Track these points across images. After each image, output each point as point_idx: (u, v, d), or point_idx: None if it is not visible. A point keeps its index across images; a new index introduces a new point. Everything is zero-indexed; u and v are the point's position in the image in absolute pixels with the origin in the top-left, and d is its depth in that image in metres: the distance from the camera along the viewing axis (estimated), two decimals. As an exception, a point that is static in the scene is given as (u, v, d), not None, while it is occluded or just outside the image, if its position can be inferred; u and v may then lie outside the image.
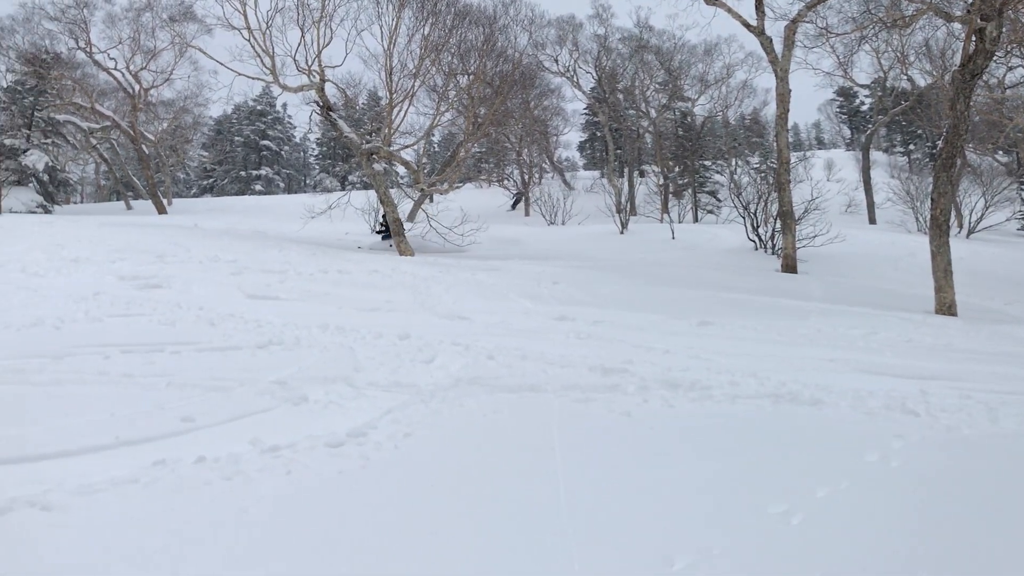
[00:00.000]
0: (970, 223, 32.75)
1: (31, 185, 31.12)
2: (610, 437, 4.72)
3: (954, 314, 13.20)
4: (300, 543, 3.17)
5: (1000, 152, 40.31)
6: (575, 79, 45.69)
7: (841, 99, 73.64)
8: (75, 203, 49.36)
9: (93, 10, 33.95)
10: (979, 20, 12.81)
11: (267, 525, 3.34)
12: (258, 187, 59.95)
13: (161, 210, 33.13)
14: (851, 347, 8.67)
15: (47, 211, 30.14)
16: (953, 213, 29.56)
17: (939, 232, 13.64)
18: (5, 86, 34.54)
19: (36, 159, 31.03)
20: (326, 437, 4.41)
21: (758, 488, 3.83)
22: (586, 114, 59.43)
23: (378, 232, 21.45)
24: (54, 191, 32.61)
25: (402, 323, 8.38)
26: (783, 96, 19.35)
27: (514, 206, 42.31)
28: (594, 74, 45.74)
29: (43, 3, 32.69)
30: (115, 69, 35.03)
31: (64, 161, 39.16)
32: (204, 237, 16.34)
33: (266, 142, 63.04)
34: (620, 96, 47.54)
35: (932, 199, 14.05)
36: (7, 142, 30.92)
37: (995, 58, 17.75)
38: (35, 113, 32.07)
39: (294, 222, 22.60)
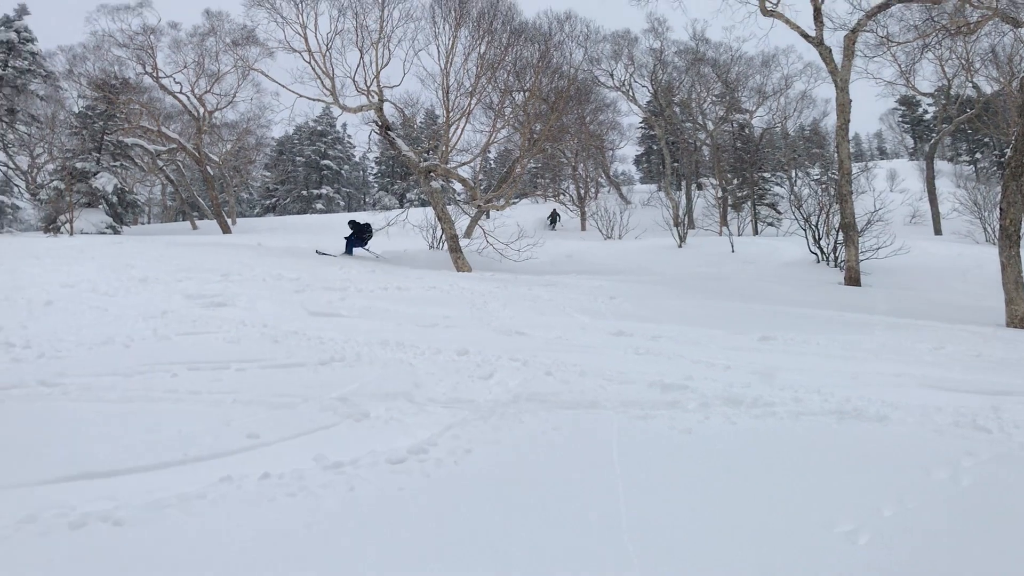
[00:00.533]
0: (1042, 233, 31.69)
1: (101, 207, 32.15)
2: (671, 455, 4.68)
3: (1027, 327, 12.82)
4: (363, 559, 3.21)
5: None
6: (631, 93, 45.58)
7: (903, 108, 72.16)
8: (142, 223, 50.82)
9: (160, 36, 35.07)
10: (1049, 25, 12.49)
11: (330, 540, 3.39)
12: (319, 206, 61.00)
13: (225, 229, 33.90)
14: (918, 362, 8.46)
15: (116, 232, 31.09)
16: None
17: (1009, 243, 13.27)
18: (77, 111, 35.79)
19: (106, 181, 32.06)
20: (387, 453, 4.45)
21: (823, 507, 3.76)
22: (642, 128, 59.29)
23: (350, 241, 20.29)
24: (123, 212, 33.67)
25: (460, 339, 8.43)
26: (843, 106, 19.06)
27: (552, 225, 41.21)
28: (650, 88, 45.59)
29: (112, 31, 33.87)
30: (180, 93, 36.07)
31: (132, 183, 40.44)
32: (267, 256, 16.66)
33: (326, 161, 64.20)
34: (676, 109, 47.33)
35: (1001, 209, 13.68)
36: (79, 165, 32.02)
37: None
38: (105, 137, 33.18)
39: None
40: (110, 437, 4.72)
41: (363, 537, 3.42)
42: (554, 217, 41.97)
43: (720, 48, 43.94)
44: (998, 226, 13.85)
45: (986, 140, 57.58)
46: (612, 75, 44.46)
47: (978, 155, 62.28)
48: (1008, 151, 13.79)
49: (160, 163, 40.06)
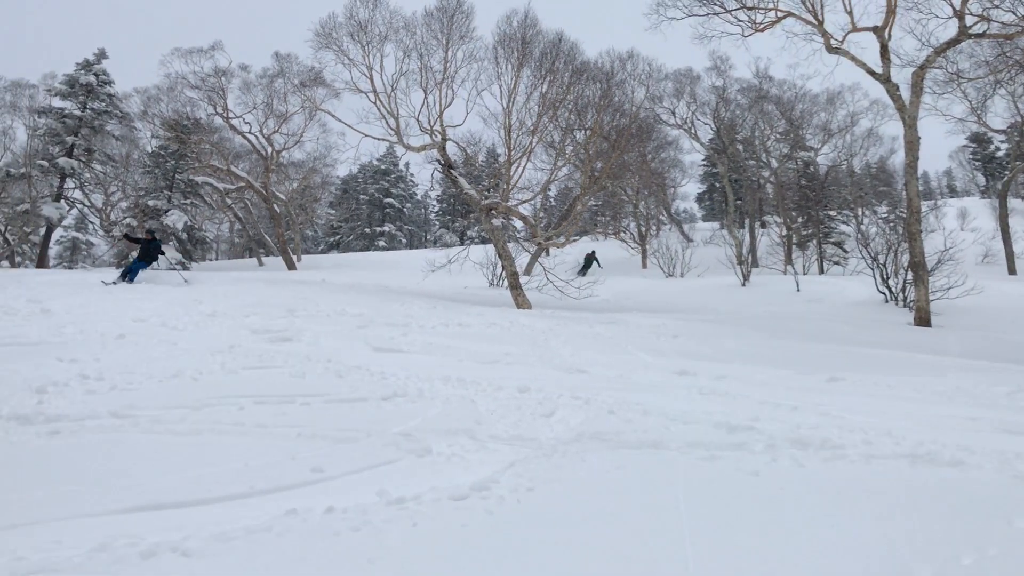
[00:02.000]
0: (1125, 273, 30.59)
1: (172, 243, 33.11)
2: (738, 498, 4.58)
3: (1111, 371, 12.30)
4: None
5: None
6: (693, 131, 45.47)
7: (974, 145, 70.56)
8: (211, 260, 52.11)
9: (230, 78, 36.24)
10: None
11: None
12: (381, 243, 61.89)
13: (291, 266, 34.58)
14: (994, 405, 8.17)
15: (185, 267, 31.96)
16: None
17: (1090, 283, 12.80)
18: (150, 151, 37.04)
19: (176, 218, 33.05)
20: (450, 490, 4.44)
21: (899, 554, 3.63)
22: (704, 165, 59.00)
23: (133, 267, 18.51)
24: (192, 248, 34.60)
25: (521, 376, 8.42)
26: (912, 143, 18.72)
27: (584, 271, 33.01)
28: (712, 125, 45.42)
29: (185, 73, 35.10)
30: (249, 133, 37.14)
31: (201, 220, 41.53)
32: (331, 292, 16.91)
33: (389, 200, 65.24)
34: (739, 147, 47.01)
35: (1081, 248, 13.23)
36: (151, 203, 33.05)
37: None
38: (176, 175, 34.25)
39: (416, 276, 23.18)
40: (178, 469, 4.81)
41: (427, 573, 3.41)
42: (589, 261, 35.24)
43: (784, 85, 43.69)
44: (1077, 266, 13.38)
45: (1062, 177, 55.88)
46: (674, 113, 44.45)
47: (1054, 193, 60.44)
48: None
49: (229, 201, 41.17)
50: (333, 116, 25.75)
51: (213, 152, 37.11)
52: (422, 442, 5.49)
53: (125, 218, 33.59)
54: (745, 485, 4.79)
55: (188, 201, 35.53)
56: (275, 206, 37.45)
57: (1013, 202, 48.83)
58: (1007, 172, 41.61)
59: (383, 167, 65.95)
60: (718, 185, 54.75)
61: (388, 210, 65.39)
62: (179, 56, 35.28)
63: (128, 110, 39.01)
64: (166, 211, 33.34)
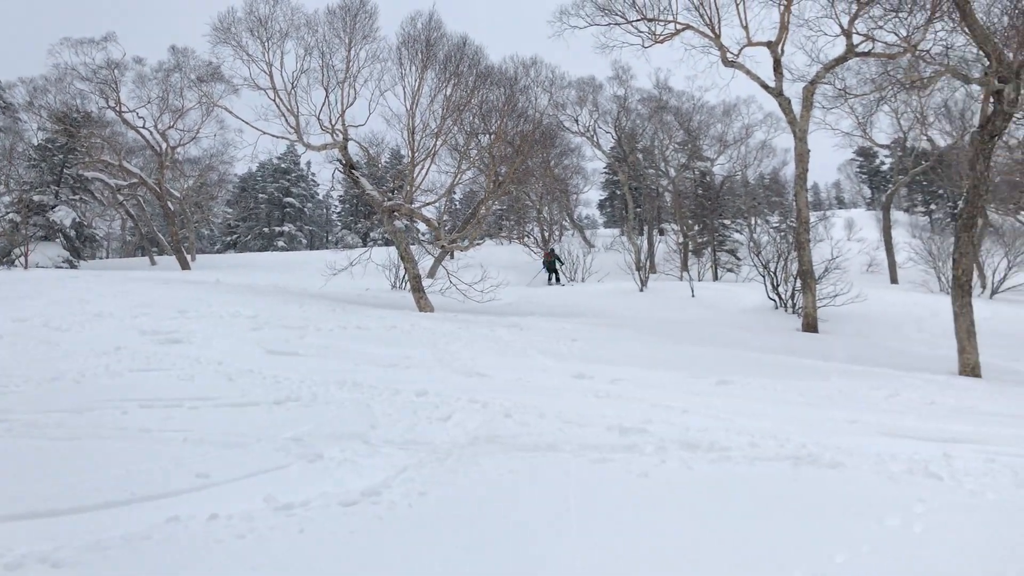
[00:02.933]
0: (993, 283, 32.47)
1: (58, 240, 31.66)
2: (627, 499, 4.66)
3: (978, 375, 13.02)
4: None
5: (1022, 213, 40.14)
6: (595, 139, 46.13)
7: (861, 159, 74.00)
8: (100, 258, 50.07)
9: (123, 71, 34.81)
10: (997, 82, 12.88)
11: (278, 585, 3.31)
12: (281, 243, 60.65)
13: (185, 266, 33.50)
14: (873, 409, 8.55)
15: (73, 266, 30.61)
16: (976, 273, 29.41)
17: (961, 292, 13.53)
18: (36, 144, 35.35)
19: (64, 215, 31.63)
20: (340, 495, 4.38)
21: (777, 553, 3.76)
22: (606, 173, 59.90)
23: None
24: (80, 246, 33.18)
25: (420, 380, 8.37)
26: (802, 156, 19.45)
27: (553, 276, 31.80)
28: (614, 134, 46.17)
29: (75, 64, 33.54)
30: (143, 127, 35.79)
31: (91, 217, 39.88)
32: (225, 292, 16.46)
33: (289, 199, 63.99)
34: (640, 155, 47.98)
35: (954, 259, 13.96)
36: (36, 198, 31.56)
37: (1015, 119, 17.80)
38: (64, 170, 32.78)
39: (316, 278, 22.79)
40: (54, 475, 4.59)
41: (311, 581, 3.35)
42: (551, 264, 31.85)
43: (683, 97, 44.80)
44: (951, 276, 14.13)
45: (940, 192, 59.03)
46: (577, 120, 45.01)
47: (933, 206, 63.80)
48: (960, 203, 14.12)
49: (120, 198, 39.61)
50: (231, 113, 24.99)
51: (104, 147, 35.60)
52: (313, 447, 5.39)
53: (8, 213, 31.88)
54: (635, 486, 4.88)
55: (77, 197, 34.04)
56: (169, 203, 36.18)
57: (896, 214, 51.31)
58: (891, 185, 43.65)
59: (283, 166, 64.67)
60: (619, 192, 55.70)
61: (288, 210, 64.13)
62: (69, 46, 33.64)
63: (12, 100, 37.10)
64: (53, 207, 31.86)
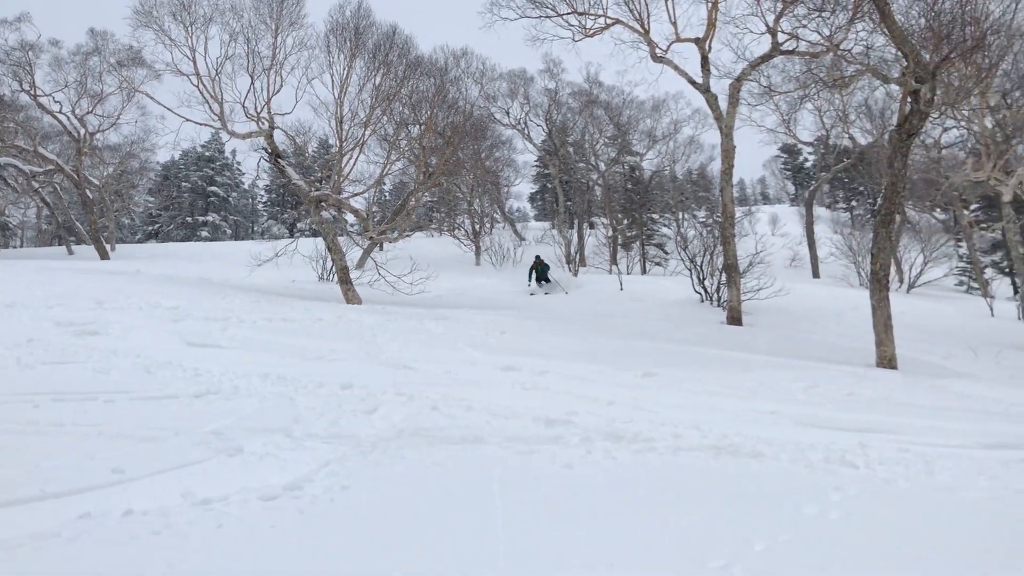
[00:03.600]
0: (910, 278, 33.63)
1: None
2: (552, 490, 4.68)
3: (894, 367, 13.44)
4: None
5: (938, 210, 41.59)
6: (526, 132, 46.22)
7: (785, 156, 75.73)
8: (14, 247, 48.23)
9: (39, 53, 33.47)
10: (914, 82, 13.29)
11: (193, 582, 3.22)
12: (204, 233, 59.25)
13: (103, 255, 32.48)
14: (792, 400, 8.76)
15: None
16: (893, 268, 30.39)
17: (879, 287, 13.94)
18: (-56, 128, 33.80)
19: (-26, 201, 30.34)
20: (261, 490, 4.29)
21: (697, 542, 3.81)
22: (537, 166, 60.09)
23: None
24: (-8, 234, 31.88)
25: (345, 372, 8.26)
26: (728, 152, 19.78)
27: (543, 280, 25.38)
28: (544, 127, 46.32)
29: (-14, 45, 32.14)
30: (60, 112, 34.47)
31: (4, 205, 38.33)
32: (146, 283, 16.02)
33: (213, 188, 62.55)
34: (570, 149, 48.20)
35: (872, 254, 14.38)
36: (-56, 184, 30.22)
37: (930, 119, 18.41)
38: (-26, 155, 31.42)
39: (240, 269, 22.33)
40: (-43, 473, 4.40)
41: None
42: (541, 270, 25.64)
43: (613, 91, 45.15)
44: (870, 271, 14.54)
45: (861, 189, 60.81)
46: (508, 113, 45.01)
47: (854, 203, 65.67)
48: (879, 200, 14.55)
49: (36, 185, 38.16)
50: (152, 99, 24.29)
51: (18, 131, 34.20)
52: (234, 441, 5.27)
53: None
54: (560, 477, 4.90)
55: (-12, 183, 32.71)
56: (87, 191, 34.98)
57: (819, 210, 52.62)
58: (813, 182, 44.76)
59: (207, 154, 63.14)
60: (549, 186, 55.92)
61: (212, 199, 62.68)
62: (-22, 26, 32.25)
63: (-83, 81, 35.40)
64: (-39, 193, 30.57)
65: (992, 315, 25.32)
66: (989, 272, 39.54)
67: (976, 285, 36.99)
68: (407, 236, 25.03)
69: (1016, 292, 27.33)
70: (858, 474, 5.19)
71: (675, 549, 3.73)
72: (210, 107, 20.00)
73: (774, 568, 3.52)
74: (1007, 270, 37.72)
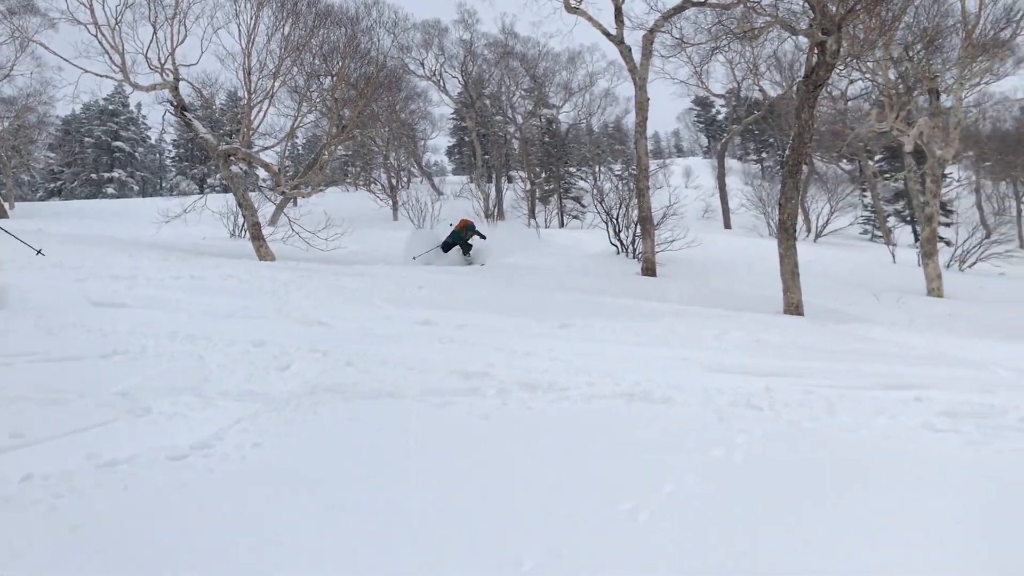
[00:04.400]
0: (817, 228, 34.73)
1: None
2: (468, 440, 4.72)
3: (801, 314, 13.91)
4: (134, 560, 3.01)
5: (843, 161, 42.86)
6: (441, 84, 45.77)
7: (698, 108, 76.75)
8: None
9: (-80, -1, 31.46)
10: (820, 34, 13.57)
11: (97, 544, 3.15)
12: (110, 190, 57.10)
13: (2, 214, 31.06)
14: (703, 347, 8.98)
15: None
16: (801, 218, 31.29)
17: (786, 236, 14.34)
18: None
19: None
20: (169, 450, 4.20)
21: (608, 486, 3.90)
22: (453, 119, 59.62)
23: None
24: None
25: (258, 330, 8.11)
26: (642, 104, 19.94)
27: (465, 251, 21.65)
28: (460, 79, 45.90)
29: None
30: (-53, 63, 32.60)
31: None
32: (48, 242, 15.39)
33: (119, 143, 60.17)
34: (487, 102, 47.91)
35: (780, 204, 14.76)
36: None
37: (837, 71, 18.86)
38: None
39: (148, 227, 21.65)
40: None
41: (136, 537, 3.21)
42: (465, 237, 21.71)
43: (528, 43, 45.00)
44: (778, 220, 14.94)
45: (771, 141, 62.20)
46: (423, 64, 44.48)
47: (764, 155, 67.20)
48: (787, 150, 14.90)
49: (-78, 140, 36.14)
50: (48, 49, 23.09)
51: (-100, 83, 32.30)
52: (142, 402, 5.14)
53: None
54: (475, 428, 4.94)
55: None
56: (-20, 147, 33.35)
57: (730, 162, 53.66)
58: (725, 134, 45.57)
59: (111, 107, 60.63)
60: (467, 139, 55.61)
61: (117, 154, 60.31)
62: None
63: None
64: None
65: (894, 262, 26.41)
66: (892, 221, 41.11)
67: (880, 233, 38.45)
68: (321, 191, 24.62)
69: (916, 240, 28.47)
70: (764, 416, 5.37)
71: (586, 493, 3.82)
72: (111, 58, 19.15)
73: (681, 509, 3.64)
74: (908, 219, 39.28)
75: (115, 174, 58.98)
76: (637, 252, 22.08)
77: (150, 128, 65.11)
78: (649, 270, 19.53)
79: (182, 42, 19.22)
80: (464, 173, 62.75)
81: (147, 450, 4.20)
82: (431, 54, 44.28)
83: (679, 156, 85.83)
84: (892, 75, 22.57)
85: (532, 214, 41.28)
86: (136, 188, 61.40)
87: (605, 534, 3.35)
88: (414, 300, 12.09)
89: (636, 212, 21.65)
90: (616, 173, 47.30)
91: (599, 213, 25.75)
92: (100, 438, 4.44)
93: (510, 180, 51.31)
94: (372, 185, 46.29)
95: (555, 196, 44.71)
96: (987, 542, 3.45)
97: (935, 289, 19.57)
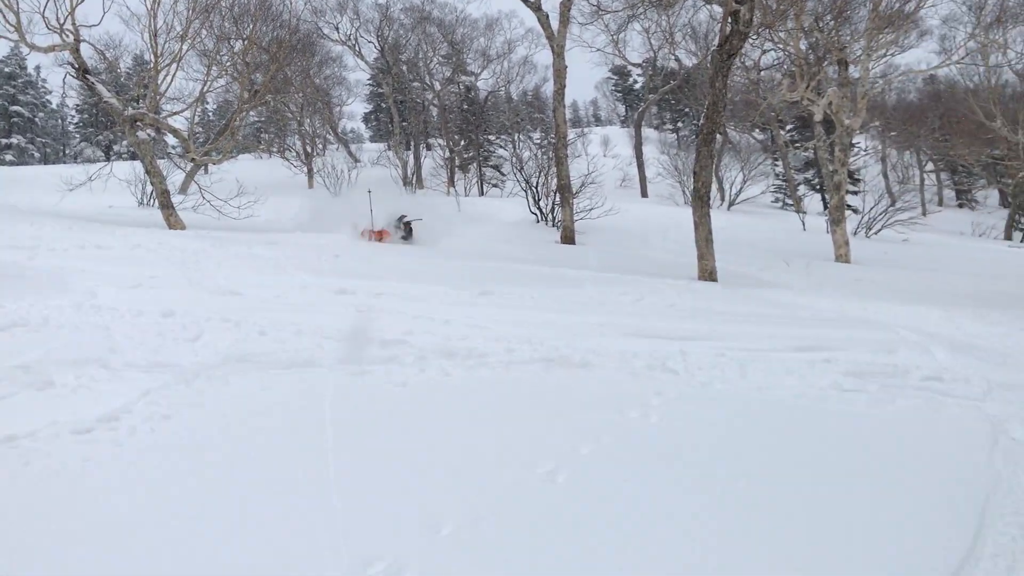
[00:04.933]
0: (730, 196, 35.43)
1: None
2: (385, 408, 4.68)
3: (715, 280, 14.17)
4: (35, 537, 2.89)
5: (756, 130, 43.74)
6: (357, 49, 44.85)
7: (616, 77, 77.10)
8: None
9: None
10: (734, 3, 13.72)
11: (-4, 523, 3.02)
12: (8, 157, 54.45)
13: None
14: (620, 312, 9.09)
15: None
16: (715, 187, 31.85)
17: (701, 203, 14.56)
18: None
19: None
20: (73, 423, 4.05)
21: (527, 449, 3.92)
22: (370, 85, 58.53)
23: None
24: None
25: (166, 300, 7.86)
26: (560, 72, 19.92)
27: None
28: (376, 44, 45.08)
29: None
30: None
31: None
32: (-61, 211, 14.64)
33: (17, 108, 57.30)
34: (404, 68, 47.20)
35: (694, 173, 14.97)
36: None
37: (749, 41, 19.15)
38: None
39: (51, 195, 20.73)
40: None
41: (38, 514, 3.08)
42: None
43: (446, 8, 44.41)
44: (692, 188, 15.15)
45: (687, 110, 62.98)
46: (337, 28, 43.44)
47: (680, 124, 68.06)
48: (702, 120, 15.10)
49: None
50: (-64, 5, 21.79)
51: None
52: (43, 374, 4.93)
53: None
54: (392, 396, 4.90)
55: None
56: None
57: (647, 131, 54.18)
58: (642, 103, 45.92)
59: (7, 70, 57.64)
60: (384, 106, 54.73)
61: (16, 119, 57.46)
62: None
63: None
64: None
65: (804, 229, 27.14)
66: (802, 189, 42.20)
67: (791, 201, 39.44)
68: (232, 158, 23.96)
69: (825, 207, 29.31)
70: (678, 379, 5.47)
71: (507, 457, 3.83)
72: (4, 17, 18.12)
73: (598, 469, 3.69)
74: (818, 187, 40.38)
75: (14, 140, 56.19)
76: (556, 220, 22.17)
77: (51, 92, 62.09)
78: (568, 238, 19.64)
79: (83, 1, 18.34)
80: (381, 140, 61.88)
81: (49, 424, 4.05)
82: (346, 18, 43.32)
83: (597, 125, 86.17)
84: (803, 46, 23.04)
85: (451, 182, 41.03)
86: (37, 155, 58.66)
87: (526, 496, 3.38)
88: (330, 269, 11.90)
89: (555, 180, 21.71)
90: (535, 142, 47.26)
91: (518, 181, 25.75)
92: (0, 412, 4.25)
93: (429, 148, 50.82)
94: (286, 152, 45.28)
95: (474, 164, 44.55)
96: (888, 490, 3.59)
97: (843, 255, 20.19)
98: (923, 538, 3.21)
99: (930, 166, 50.35)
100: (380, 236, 18.31)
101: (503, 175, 43.12)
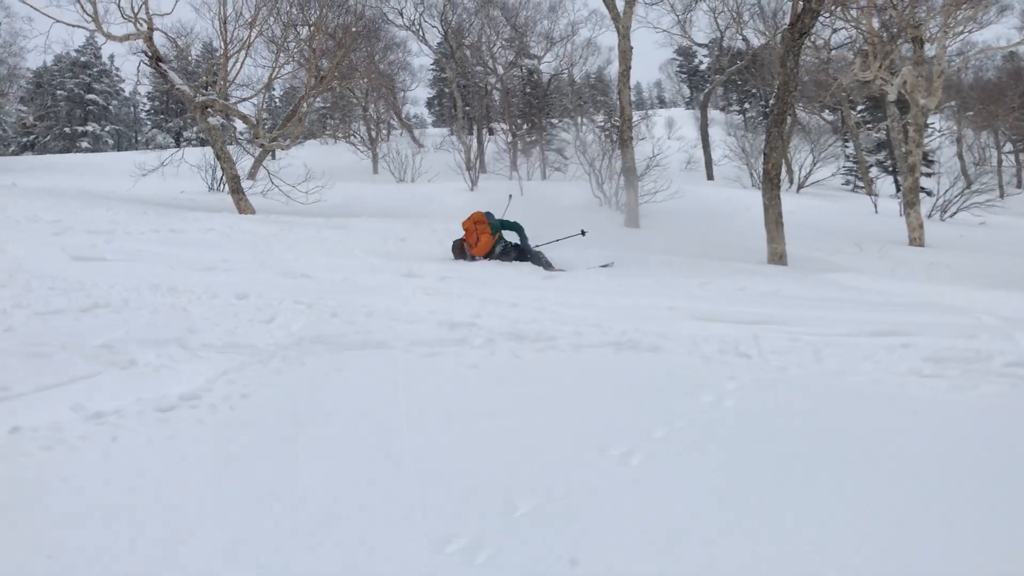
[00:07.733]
0: (800, 178, 34.76)
1: None
2: (457, 389, 4.70)
3: (784, 264, 13.94)
4: (125, 510, 2.98)
5: (827, 111, 42.75)
6: (421, 33, 45.08)
7: (681, 59, 76.18)
8: None
9: None
10: (805, -19, 13.41)
11: (90, 493, 3.12)
12: (85, 144, 56.15)
13: (-27, 169, 30.53)
14: (688, 296, 8.98)
15: None
16: (784, 169, 31.27)
17: (771, 186, 14.32)
18: None
19: None
20: (156, 401, 4.16)
21: (600, 432, 3.90)
22: (433, 70, 58.87)
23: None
24: None
25: (240, 283, 8.04)
26: (625, 53, 19.72)
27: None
28: (440, 28, 45.21)
29: None
30: (-87, 13, 31.77)
31: None
32: (22, 196, 15.15)
33: (92, 96, 59.02)
34: (467, 52, 47.27)
35: (764, 154, 14.71)
36: None
37: (821, 19, 18.70)
38: None
39: (124, 181, 21.35)
40: None
41: (127, 488, 3.18)
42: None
43: (509, -9, 44.25)
44: (762, 170, 14.91)
45: (754, 91, 61.85)
46: (401, 13, 43.70)
47: (747, 105, 66.87)
48: (771, 100, 14.80)
49: None
50: (16, -3, 22.56)
51: None
52: (126, 354, 5.08)
53: None
54: (464, 377, 4.93)
55: None
56: (-50, 100, 32.64)
57: (713, 113, 53.43)
58: (708, 85, 45.29)
59: (83, 59, 59.29)
60: (447, 91, 54.91)
61: (91, 108, 59.18)
62: None
63: None
64: None
65: (876, 212, 26.51)
66: (874, 171, 41.16)
67: (862, 184, 38.51)
68: (300, 143, 24.31)
69: (898, 190, 28.56)
70: (751, 363, 5.38)
71: (579, 438, 3.82)
72: (82, 7, 18.66)
73: (672, 452, 3.65)
74: (890, 169, 39.32)
75: (89, 128, 57.91)
76: (620, 203, 22.02)
77: (124, 80, 63.84)
78: (633, 221, 19.50)
79: (155, -10, 18.80)
80: (444, 125, 62.13)
81: (134, 402, 4.16)
82: (410, 3, 43.56)
83: (661, 107, 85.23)
84: (876, 23, 22.42)
85: (514, 166, 41.00)
86: (111, 142, 60.33)
87: (599, 478, 3.36)
88: (397, 252, 12.03)
89: (619, 163, 21.55)
90: (599, 124, 46.96)
91: (582, 165, 25.64)
92: (86, 390, 4.39)
93: (491, 132, 50.88)
94: (351, 137, 45.78)
95: (537, 148, 44.40)
96: (971, 481, 3.48)
97: (917, 239, 19.67)
98: None
99: (1008, 147, 48.63)
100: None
101: (566, 159, 42.94)
